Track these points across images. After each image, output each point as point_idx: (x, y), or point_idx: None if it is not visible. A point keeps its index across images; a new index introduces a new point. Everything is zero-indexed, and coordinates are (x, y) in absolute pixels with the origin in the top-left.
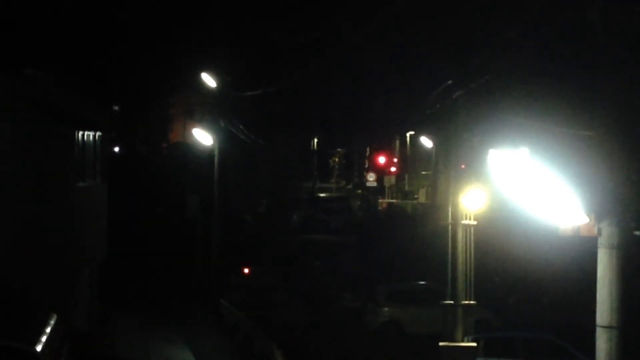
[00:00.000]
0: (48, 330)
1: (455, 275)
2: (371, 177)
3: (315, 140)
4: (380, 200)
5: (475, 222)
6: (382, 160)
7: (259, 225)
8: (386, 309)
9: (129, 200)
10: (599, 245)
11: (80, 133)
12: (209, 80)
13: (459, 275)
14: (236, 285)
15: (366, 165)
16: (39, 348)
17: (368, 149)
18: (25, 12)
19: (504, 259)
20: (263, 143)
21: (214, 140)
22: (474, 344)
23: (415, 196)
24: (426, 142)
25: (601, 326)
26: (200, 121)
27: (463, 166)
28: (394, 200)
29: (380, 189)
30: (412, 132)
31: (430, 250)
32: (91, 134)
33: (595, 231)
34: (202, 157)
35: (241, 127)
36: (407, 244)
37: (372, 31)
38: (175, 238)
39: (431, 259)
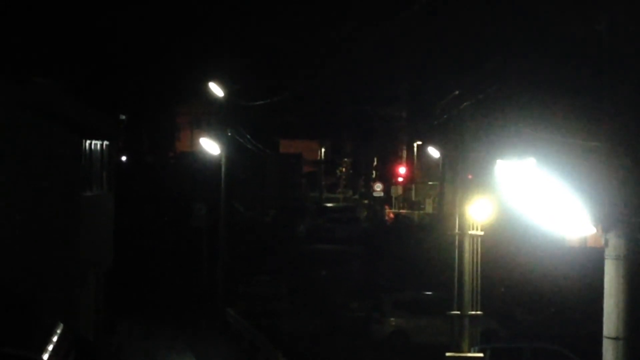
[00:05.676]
0: (54, 338)
1: (462, 286)
2: (378, 187)
3: (323, 149)
4: (387, 210)
5: (482, 233)
6: (389, 170)
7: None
8: (392, 318)
9: (135, 209)
10: (605, 256)
11: (88, 142)
12: (216, 89)
13: (465, 285)
14: (243, 293)
15: (373, 175)
16: (45, 356)
17: (375, 158)
18: (35, 20)
19: (511, 269)
20: (270, 152)
21: (221, 150)
22: (481, 354)
23: (422, 206)
24: (433, 152)
25: (608, 337)
26: (207, 130)
27: (470, 176)
28: (400, 211)
29: (387, 199)
30: (420, 142)
31: (437, 260)
32: (98, 142)
33: (602, 242)
34: (209, 167)
35: (248, 136)
36: (413, 254)
37: (380, 41)
38: (182, 246)
39: (438, 269)
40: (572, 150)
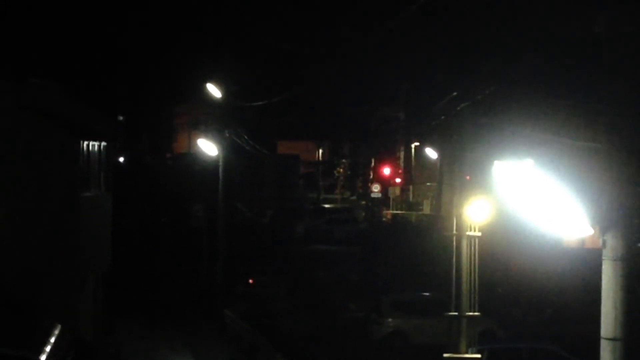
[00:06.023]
0: (52, 339)
1: (460, 286)
2: (376, 188)
3: (320, 150)
4: (384, 211)
5: (479, 234)
6: (386, 171)
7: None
8: (390, 319)
9: (134, 210)
10: (603, 257)
11: (85, 142)
12: (214, 90)
13: (463, 286)
14: (241, 294)
15: (371, 176)
16: (43, 357)
17: (373, 159)
18: (33, 20)
19: (509, 270)
20: (268, 153)
21: (219, 151)
22: (478, 355)
23: (420, 207)
24: (431, 153)
25: (605, 338)
26: (205, 131)
27: (468, 177)
28: (398, 211)
29: (384, 200)
30: (417, 143)
31: (435, 261)
32: (96, 143)
33: (600, 243)
34: (207, 168)
35: (246, 137)
36: (411, 254)
37: (378, 42)
38: (180, 247)
39: (435, 270)
40: (570, 152)
